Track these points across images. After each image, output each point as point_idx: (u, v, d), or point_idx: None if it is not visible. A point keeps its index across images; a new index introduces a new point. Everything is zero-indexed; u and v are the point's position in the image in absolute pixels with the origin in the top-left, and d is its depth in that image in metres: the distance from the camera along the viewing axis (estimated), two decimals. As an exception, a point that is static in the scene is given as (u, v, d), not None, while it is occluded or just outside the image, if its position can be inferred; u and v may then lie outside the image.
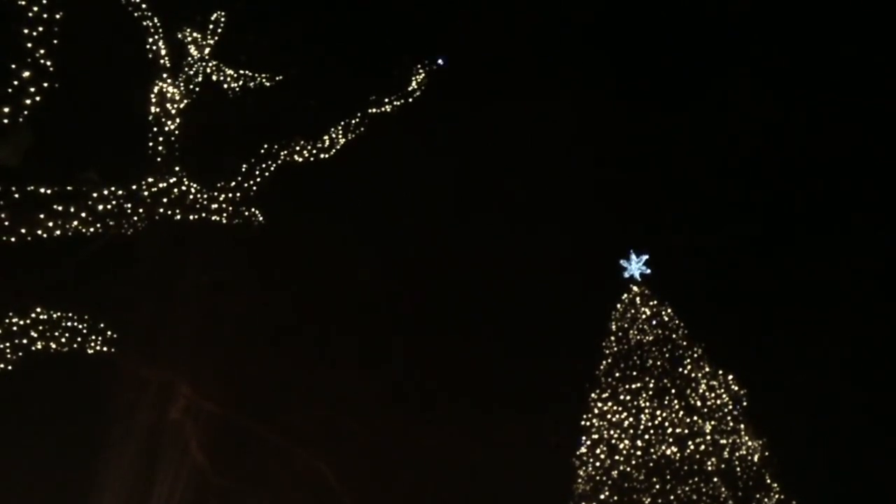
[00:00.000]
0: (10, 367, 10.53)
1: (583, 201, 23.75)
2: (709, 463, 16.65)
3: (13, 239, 9.79)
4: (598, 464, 17.22)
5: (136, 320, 15.46)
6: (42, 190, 9.95)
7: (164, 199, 11.15)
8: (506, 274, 23.46)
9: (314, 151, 12.97)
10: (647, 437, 17.01)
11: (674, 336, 18.40)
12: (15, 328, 10.59)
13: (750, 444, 17.26)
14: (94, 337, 11.50)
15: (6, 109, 9.30)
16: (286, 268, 19.93)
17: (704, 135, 23.89)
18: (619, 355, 18.32)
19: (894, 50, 21.19)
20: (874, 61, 21.85)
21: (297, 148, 12.76)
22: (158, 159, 11.32)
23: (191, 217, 11.61)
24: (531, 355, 22.79)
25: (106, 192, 10.49)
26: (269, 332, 20.27)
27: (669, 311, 18.86)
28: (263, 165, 12.29)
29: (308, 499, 19.97)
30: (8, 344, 10.50)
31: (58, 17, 9.45)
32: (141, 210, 10.90)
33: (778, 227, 25.29)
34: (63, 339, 11.12)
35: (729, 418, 17.42)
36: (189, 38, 12.57)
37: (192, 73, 12.40)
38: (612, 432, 17.34)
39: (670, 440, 16.88)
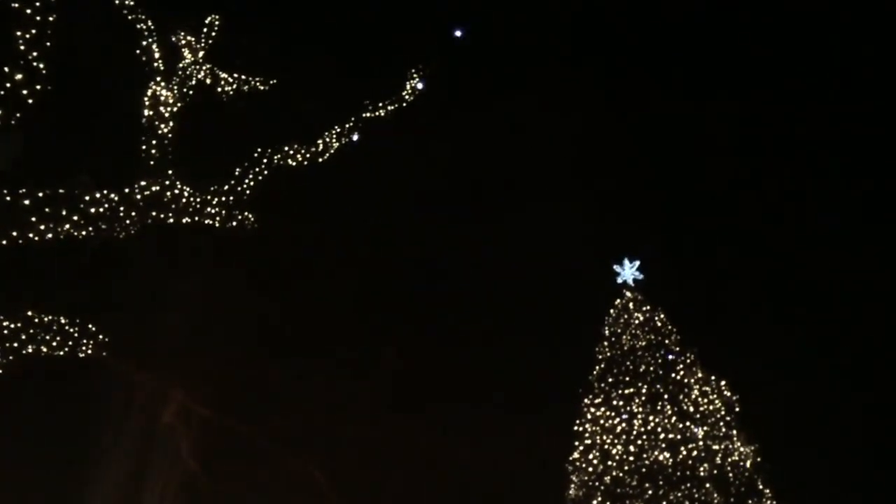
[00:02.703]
0: (0, 371, 10.48)
1: (576, 206, 23.77)
2: (701, 468, 16.67)
3: (5, 242, 9.76)
4: (590, 469, 17.22)
5: (128, 324, 15.39)
6: (34, 193, 9.93)
7: (157, 203, 11.14)
8: (499, 279, 23.49)
9: (308, 155, 12.96)
10: (639, 442, 17.01)
11: (666, 341, 18.43)
12: (6, 331, 10.54)
13: (742, 449, 17.29)
14: (86, 340, 11.44)
15: (-2, 112, 9.28)
16: (279, 272, 19.90)
17: (699, 140, 23.96)
18: (612, 360, 18.34)
19: (889, 49, 21.26)
20: (868, 60, 21.96)
21: (291, 152, 12.75)
22: (151, 162, 11.30)
23: (184, 220, 11.59)
24: (524, 360, 22.81)
25: (98, 196, 10.46)
26: (262, 336, 20.22)
27: (662, 316, 18.89)
28: (257, 169, 12.27)
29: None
30: (-1, 347, 10.45)
31: (51, 19, 9.43)
32: (133, 213, 10.87)
33: (772, 233, 25.36)
34: (55, 343, 11.07)
35: (721, 424, 17.45)
36: (183, 41, 12.54)
37: (185, 76, 12.38)
38: (604, 437, 17.34)
39: (663, 445, 16.89)
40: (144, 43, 11.84)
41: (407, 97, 14.24)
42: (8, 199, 9.69)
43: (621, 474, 16.85)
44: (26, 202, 9.82)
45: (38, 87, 9.45)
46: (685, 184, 24.52)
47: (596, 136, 23.38)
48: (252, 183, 12.15)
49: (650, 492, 16.47)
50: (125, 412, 17.98)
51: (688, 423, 17.18)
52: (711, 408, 17.59)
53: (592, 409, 17.84)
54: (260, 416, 19.81)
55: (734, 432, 17.48)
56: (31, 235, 9.95)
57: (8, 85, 9.28)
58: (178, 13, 12.64)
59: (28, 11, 9.27)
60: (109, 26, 12.09)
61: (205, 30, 12.82)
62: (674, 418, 17.19)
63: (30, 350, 10.78)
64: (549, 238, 24.02)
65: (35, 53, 9.37)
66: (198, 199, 11.57)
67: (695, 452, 16.80)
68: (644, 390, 17.61)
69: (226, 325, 18.57)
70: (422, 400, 21.81)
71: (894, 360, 22.13)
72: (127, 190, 10.85)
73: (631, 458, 16.87)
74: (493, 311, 23.36)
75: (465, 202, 23.61)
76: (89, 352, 11.49)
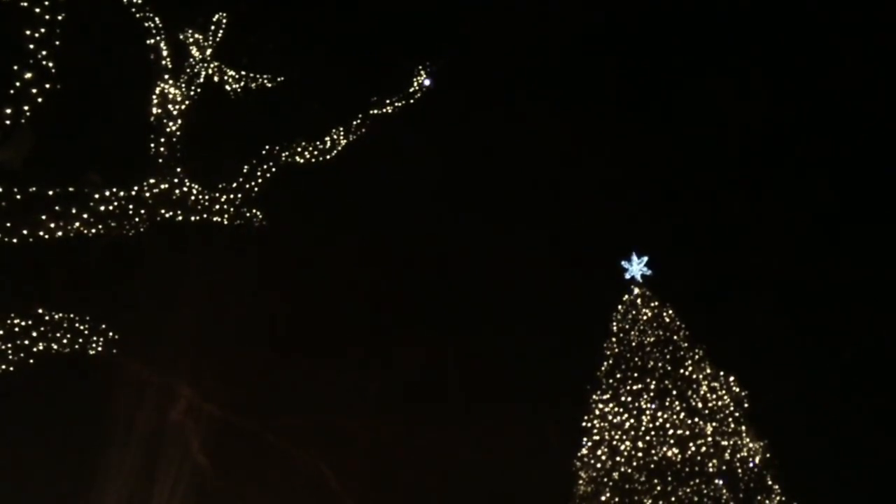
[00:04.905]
0: (11, 368, 10.54)
1: (584, 201, 23.75)
2: (710, 464, 16.64)
3: (15, 240, 9.80)
4: (599, 465, 17.20)
5: (137, 322, 15.44)
6: (44, 191, 9.97)
7: (166, 201, 11.18)
8: (507, 275, 23.47)
9: (315, 153, 13.00)
10: (648, 438, 16.99)
11: (675, 337, 18.37)
12: (17, 329, 10.59)
13: (751, 445, 17.24)
14: (95, 338, 11.50)
15: (8, 111, 9.32)
16: (287, 269, 19.94)
17: (707, 134, 23.88)
18: (621, 356, 18.30)
19: (890, 48, 21.15)
20: (871, 58, 21.85)
21: (299, 149, 12.79)
22: (160, 160, 11.34)
23: (192, 218, 11.64)
24: (531, 356, 22.79)
25: (108, 194, 10.51)
26: (271, 333, 20.28)
27: (671, 312, 18.83)
28: (265, 167, 12.32)
29: (309, 501, 19.96)
30: (9, 345, 10.51)
31: (60, 18, 9.47)
32: (142, 211, 10.92)
33: (781, 228, 25.26)
34: (64, 341, 11.13)
35: (730, 420, 17.40)
36: (191, 39, 12.58)
37: (193, 74, 12.42)
38: (613, 433, 17.32)
39: (671, 442, 16.86)
40: (152, 41, 11.88)
41: (414, 94, 14.27)
42: (18, 197, 9.74)
43: (630, 470, 16.83)
44: (36, 201, 9.86)
45: (47, 85, 9.49)
46: (694, 179, 24.43)
47: (605, 131, 23.31)
48: (260, 180, 12.19)
49: (659, 488, 16.45)
50: (135, 409, 18.06)
51: (696, 419, 17.13)
52: (720, 404, 17.54)
53: (600, 405, 17.82)
54: (269, 413, 19.89)
55: (743, 428, 17.42)
56: (40, 233, 10.00)
57: (17, 84, 9.32)
58: (186, 11, 12.67)
59: (37, 10, 9.30)
60: (117, 25, 12.13)
61: (212, 28, 12.86)
62: (682, 414, 17.16)
63: (40, 348, 10.85)
64: (557, 233, 24.02)
65: (44, 52, 9.41)
66: (206, 197, 11.62)
67: (703, 448, 16.76)
68: (652, 386, 17.58)
69: (235, 323, 18.64)
70: (429, 396, 21.84)
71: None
72: (136, 188, 10.89)
73: (639, 454, 16.85)
74: (501, 308, 23.35)
75: (473, 198, 23.58)
76: (99, 349, 11.55)
